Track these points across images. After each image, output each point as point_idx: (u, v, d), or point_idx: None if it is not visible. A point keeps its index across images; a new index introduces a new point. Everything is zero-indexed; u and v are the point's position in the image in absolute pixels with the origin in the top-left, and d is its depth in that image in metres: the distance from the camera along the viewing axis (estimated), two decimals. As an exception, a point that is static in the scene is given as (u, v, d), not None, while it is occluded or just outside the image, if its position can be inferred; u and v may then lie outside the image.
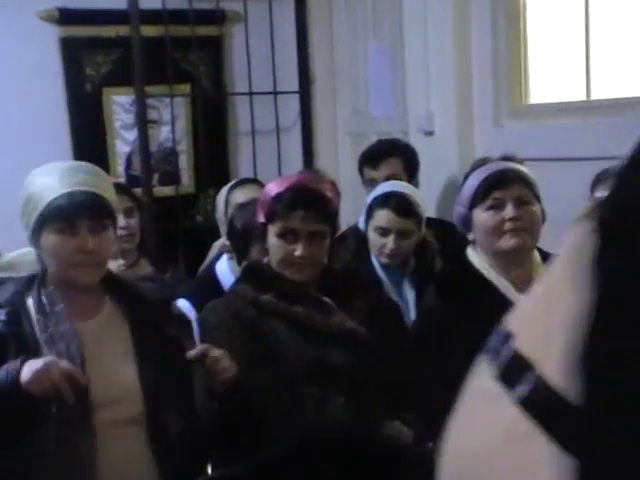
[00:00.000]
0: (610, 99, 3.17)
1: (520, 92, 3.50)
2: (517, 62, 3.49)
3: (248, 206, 2.53)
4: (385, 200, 2.70)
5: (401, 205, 2.68)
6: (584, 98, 3.26)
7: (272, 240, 2.10)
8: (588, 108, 3.22)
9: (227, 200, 3.09)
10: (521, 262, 2.20)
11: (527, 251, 2.21)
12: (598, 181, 2.79)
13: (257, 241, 2.26)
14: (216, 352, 1.87)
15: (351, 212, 3.35)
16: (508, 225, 2.15)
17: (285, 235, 2.08)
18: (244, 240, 2.39)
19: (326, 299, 2.13)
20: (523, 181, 2.19)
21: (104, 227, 1.88)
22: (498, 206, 2.16)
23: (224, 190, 3.19)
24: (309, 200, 2.08)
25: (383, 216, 2.68)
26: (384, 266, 2.72)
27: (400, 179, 3.04)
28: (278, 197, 2.09)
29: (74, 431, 1.74)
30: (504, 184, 2.17)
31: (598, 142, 3.09)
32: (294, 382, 2.00)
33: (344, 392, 2.02)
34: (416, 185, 3.09)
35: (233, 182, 3.28)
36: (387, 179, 3.02)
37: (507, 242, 2.16)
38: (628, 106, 3.08)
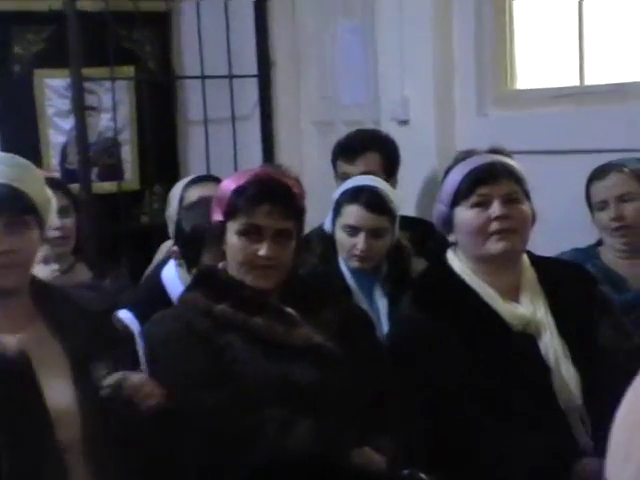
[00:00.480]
0: (607, 84, 3.18)
1: (506, 77, 3.51)
2: (503, 43, 3.50)
3: (197, 206, 2.51)
4: (354, 195, 2.68)
5: (373, 200, 2.65)
6: (578, 83, 3.27)
7: (232, 240, 2.09)
8: (583, 94, 3.23)
9: (182, 198, 3.07)
10: (509, 267, 2.18)
11: (516, 255, 2.21)
12: (595, 177, 2.78)
13: (210, 245, 2.24)
14: (135, 379, 1.86)
15: (316, 212, 3.31)
16: (495, 225, 2.14)
17: (248, 233, 2.07)
18: (194, 244, 2.37)
19: (290, 309, 2.12)
20: (512, 176, 2.19)
21: (26, 225, 1.85)
22: (484, 204, 2.15)
23: (179, 186, 3.18)
24: (276, 193, 2.07)
25: (352, 213, 2.65)
26: (353, 271, 2.70)
27: (377, 177, 3.00)
28: (240, 190, 2.08)
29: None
30: (491, 179, 2.16)
31: (595, 132, 3.10)
32: (253, 404, 1.98)
33: (310, 414, 2.01)
34: (394, 184, 3.09)
35: (190, 178, 3.26)
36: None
37: (494, 245, 2.15)
38: (628, 92, 3.08)
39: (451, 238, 2.22)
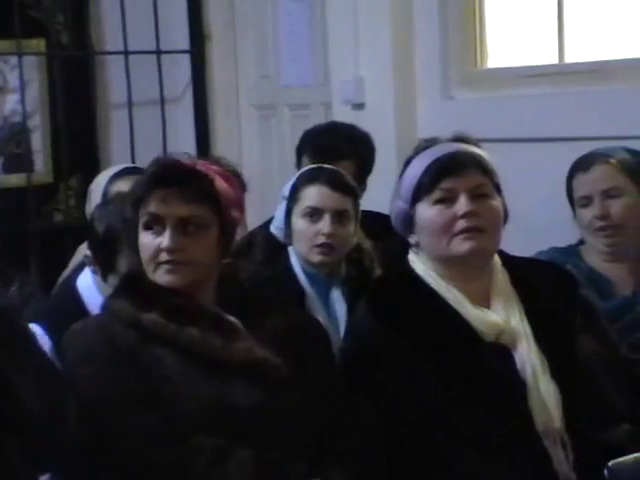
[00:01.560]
0: (588, 62, 3.22)
1: (475, 55, 3.53)
2: (470, 17, 3.53)
3: (112, 203, 2.51)
4: (314, 175, 2.73)
5: (336, 178, 2.71)
6: (556, 62, 3.28)
7: (140, 236, 2.10)
8: (560, 74, 3.26)
9: (107, 193, 3.07)
10: (478, 270, 2.19)
11: (485, 256, 2.21)
12: (578, 169, 2.80)
13: (127, 247, 2.25)
14: None
15: (258, 208, 3.30)
16: (461, 224, 2.14)
17: (152, 225, 2.07)
18: (108, 248, 2.37)
19: (231, 318, 2.10)
20: (479, 167, 2.19)
21: None
22: (448, 199, 2.15)
23: (102, 179, 3.17)
24: (171, 176, 2.07)
25: (314, 193, 2.68)
26: (309, 274, 2.71)
27: None
28: (140, 178, 2.11)
29: None
30: (455, 171, 2.15)
31: (574, 118, 3.13)
32: (183, 430, 1.96)
33: (250, 442, 1.99)
34: (363, 190, 3.12)
35: (116, 170, 3.23)
36: None
37: (460, 246, 2.15)
38: (612, 71, 3.11)
39: (412, 239, 2.22)
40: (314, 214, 2.67)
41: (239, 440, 1.98)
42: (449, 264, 2.17)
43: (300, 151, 3.26)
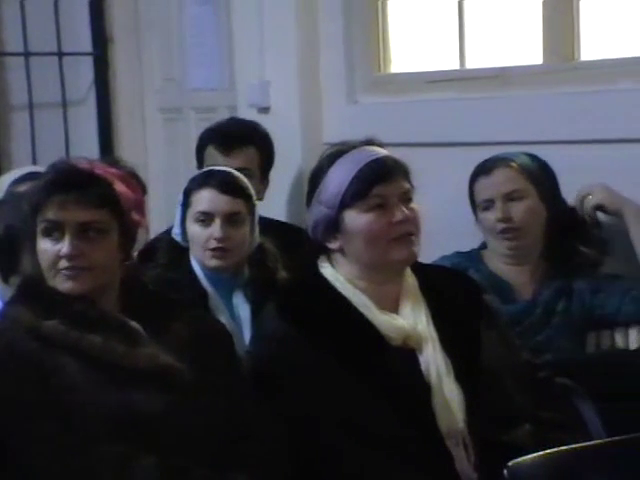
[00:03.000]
0: (490, 68, 3.27)
1: (379, 60, 3.55)
2: (374, 22, 3.55)
3: (8, 201, 2.48)
4: (204, 179, 2.73)
5: (225, 182, 2.71)
6: (458, 67, 3.34)
7: (38, 243, 2.08)
8: (463, 80, 3.30)
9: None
10: (397, 275, 2.22)
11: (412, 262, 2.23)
12: (480, 173, 2.84)
13: (30, 248, 2.19)
14: None
15: (164, 212, 3.28)
16: (398, 230, 2.16)
17: (50, 232, 2.05)
18: (8, 249, 2.33)
19: (134, 324, 2.08)
20: (405, 173, 2.22)
21: None
22: (381, 206, 2.15)
23: (3, 184, 3.10)
24: (70, 181, 2.04)
25: (204, 198, 2.69)
26: (210, 276, 2.71)
27: (253, 176, 3.07)
28: (37, 184, 2.09)
29: None
30: (386, 177, 2.17)
31: (477, 122, 3.17)
32: (87, 439, 1.94)
33: (156, 449, 1.97)
34: (266, 187, 3.15)
35: (19, 174, 3.16)
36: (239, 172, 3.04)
37: (399, 252, 2.17)
38: (513, 77, 3.16)
39: (333, 245, 2.21)
40: (205, 218, 2.68)
41: (144, 447, 1.96)
42: (375, 269, 2.19)
43: (202, 147, 3.26)
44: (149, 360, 2.04)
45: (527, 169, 2.82)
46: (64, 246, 2.02)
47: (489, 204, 2.81)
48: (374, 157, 2.19)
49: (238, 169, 3.00)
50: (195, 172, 3.05)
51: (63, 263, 2.03)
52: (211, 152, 3.22)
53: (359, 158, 2.19)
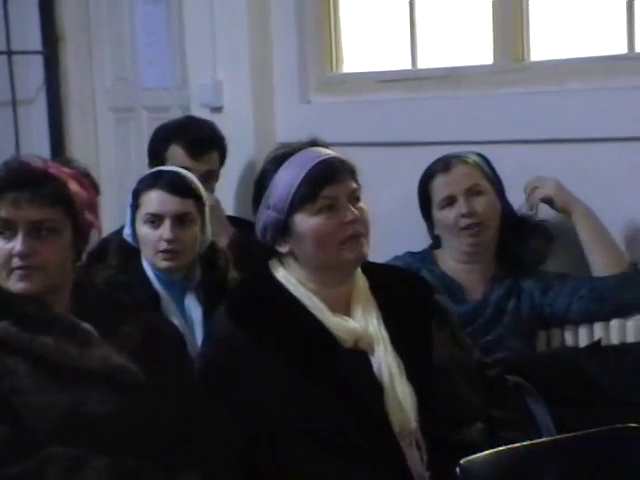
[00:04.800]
0: (440, 69, 3.28)
1: (331, 60, 3.55)
2: (326, 22, 3.56)
3: None
4: (153, 180, 2.72)
5: (174, 182, 2.69)
6: (409, 67, 3.35)
7: None
8: (414, 80, 3.31)
9: None
10: (349, 276, 2.22)
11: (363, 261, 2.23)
12: (438, 171, 2.84)
13: None
14: None
15: (116, 212, 3.26)
16: (349, 230, 2.15)
17: (2, 230, 2.03)
18: None
19: (85, 325, 2.07)
20: (352, 173, 2.21)
21: None
22: (330, 208, 2.15)
23: None
24: (21, 179, 2.02)
25: (153, 198, 2.67)
26: (162, 278, 2.70)
27: (215, 177, 3.16)
28: None
29: None
30: (334, 179, 2.16)
31: (428, 122, 3.17)
32: (38, 441, 1.92)
33: (108, 450, 1.96)
34: (216, 181, 3.19)
35: None
36: (204, 176, 3.07)
37: (350, 253, 2.16)
38: (463, 78, 3.17)
39: (283, 248, 2.20)
40: (155, 220, 2.66)
41: (96, 448, 1.95)
42: (326, 271, 2.19)
43: (164, 144, 3.25)
44: (101, 361, 2.02)
45: (481, 166, 2.84)
46: (17, 244, 2.00)
47: (450, 200, 2.81)
48: (321, 158, 2.18)
49: (206, 172, 3.09)
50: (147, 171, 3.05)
51: (16, 262, 2.01)
52: (177, 152, 3.22)
53: (306, 160, 2.17)
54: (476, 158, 2.85)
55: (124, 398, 2.01)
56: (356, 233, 2.16)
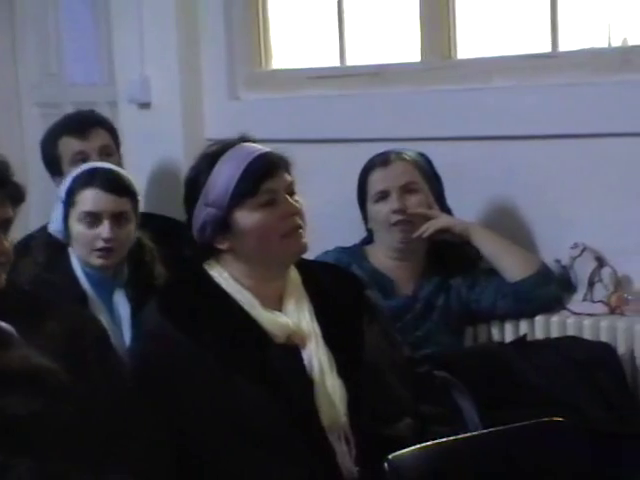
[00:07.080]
0: (368, 66, 3.29)
1: (260, 56, 3.55)
2: (254, 18, 3.55)
3: None
4: (89, 178, 2.69)
5: (111, 181, 2.68)
6: (338, 64, 3.36)
7: None
8: (344, 77, 3.32)
9: None
10: (286, 270, 2.22)
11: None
12: (376, 165, 2.84)
13: None
14: None
15: (41, 208, 3.21)
16: (290, 223, 2.16)
17: None
18: None
19: (4, 325, 2.02)
20: (287, 165, 2.21)
21: None
22: (270, 202, 2.15)
23: None
24: None
25: (89, 197, 2.66)
26: (90, 276, 2.68)
27: (113, 154, 3.16)
28: None
29: None
30: (273, 172, 2.16)
31: (357, 119, 3.18)
32: None
33: (32, 454, 1.91)
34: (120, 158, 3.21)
35: None
36: (101, 152, 3.13)
37: (294, 245, 2.18)
38: (390, 75, 3.19)
39: (222, 245, 2.18)
40: (91, 218, 2.64)
41: (19, 453, 1.89)
42: (264, 266, 2.18)
43: (53, 144, 3.25)
44: (21, 362, 1.97)
45: (419, 164, 2.86)
46: None
47: (384, 195, 2.82)
48: (259, 153, 2.18)
49: (99, 148, 3.13)
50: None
51: None
52: (66, 141, 3.21)
53: (242, 156, 2.17)
54: (416, 156, 2.86)
55: (47, 399, 1.96)
56: (297, 225, 2.17)
